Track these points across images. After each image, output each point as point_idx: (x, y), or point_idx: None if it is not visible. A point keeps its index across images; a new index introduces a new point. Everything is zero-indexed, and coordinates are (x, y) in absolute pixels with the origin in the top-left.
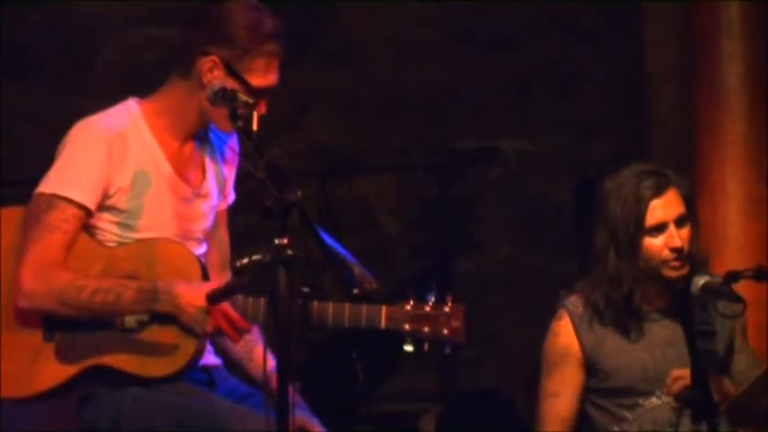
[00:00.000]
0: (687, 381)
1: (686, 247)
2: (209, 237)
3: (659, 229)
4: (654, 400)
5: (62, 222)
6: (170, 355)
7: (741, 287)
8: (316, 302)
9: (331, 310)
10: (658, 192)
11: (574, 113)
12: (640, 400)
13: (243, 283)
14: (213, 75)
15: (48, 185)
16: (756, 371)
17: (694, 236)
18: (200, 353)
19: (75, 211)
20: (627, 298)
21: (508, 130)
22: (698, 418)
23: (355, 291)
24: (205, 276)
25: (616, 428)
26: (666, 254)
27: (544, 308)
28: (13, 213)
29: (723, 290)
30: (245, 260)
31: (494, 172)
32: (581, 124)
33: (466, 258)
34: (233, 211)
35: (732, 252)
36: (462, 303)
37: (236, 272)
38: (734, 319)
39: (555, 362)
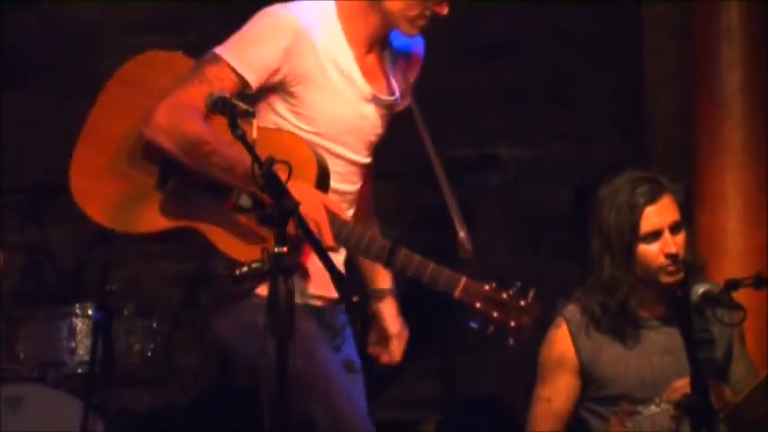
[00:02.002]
0: (687, 389)
1: (681, 252)
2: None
3: (654, 235)
4: (653, 407)
5: (216, 79)
6: (255, 243)
7: (741, 294)
8: (404, 249)
9: (416, 262)
10: (653, 199)
11: (572, 119)
12: (639, 408)
13: (243, 290)
14: None
15: (221, 48)
16: (756, 378)
17: (689, 242)
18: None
19: (234, 77)
20: (622, 305)
21: (506, 137)
22: (697, 426)
23: (355, 298)
24: (321, 183)
25: None
26: (662, 260)
27: (543, 314)
28: (183, 61)
29: (723, 298)
30: (245, 268)
31: (493, 179)
32: (580, 130)
33: (464, 265)
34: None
35: (732, 259)
36: (539, 306)
37: (235, 280)
38: (734, 326)
39: (550, 369)
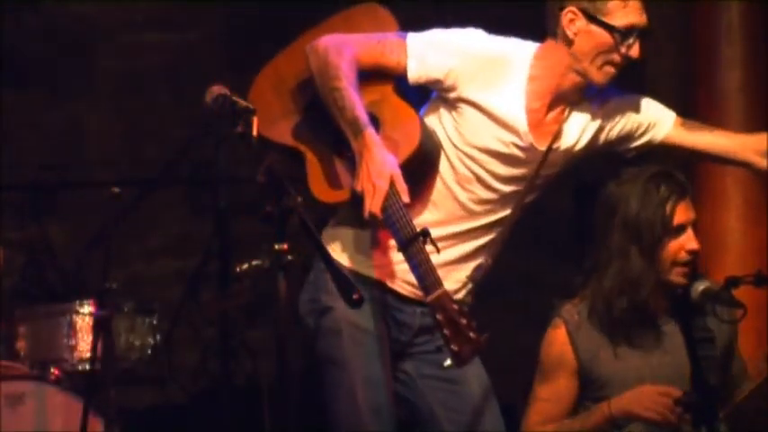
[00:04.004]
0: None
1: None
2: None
3: (679, 231)
4: None
5: (389, 49)
6: (333, 188)
7: (741, 292)
8: (419, 244)
9: (421, 257)
10: (682, 195)
11: None
12: None
13: (243, 287)
14: (575, 26)
15: (417, 34)
16: (758, 377)
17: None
18: (352, 199)
19: (402, 59)
20: (645, 301)
21: None
22: (698, 423)
23: (355, 296)
24: (411, 167)
25: None
26: (683, 255)
27: (542, 313)
28: (390, 25)
29: (723, 295)
30: (245, 265)
31: None
32: None
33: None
34: (233, 215)
35: (732, 257)
36: (485, 344)
37: (237, 277)
38: (734, 324)
39: (549, 369)
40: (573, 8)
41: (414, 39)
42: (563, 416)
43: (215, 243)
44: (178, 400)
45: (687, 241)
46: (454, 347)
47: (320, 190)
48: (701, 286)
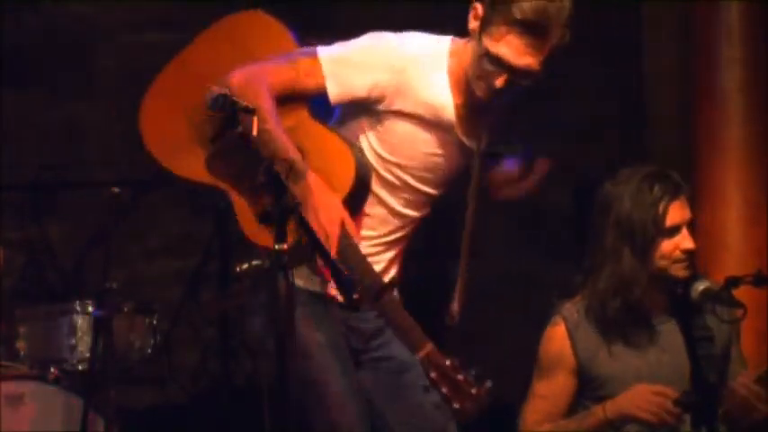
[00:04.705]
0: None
1: (695, 249)
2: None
3: (673, 231)
4: None
5: (302, 73)
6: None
7: (741, 294)
8: (391, 295)
9: (396, 311)
10: (676, 195)
11: (572, 119)
12: None
13: (243, 287)
14: (474, 23)
15: (325, 50)
16: (755, 375)
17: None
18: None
19: (320, 82)
20: (638, 301)
21: (505, 135)
22: (697, 423)
23: (355, 296)
24: (354, 199)
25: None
26: (678, 254)
27: (541, 313)
28: (286, 38)
29: (723, 295)
30: (245, 265)
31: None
32: (579, 129)
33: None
34: (233, 215)
35: (732, 257)
36: (488, 398)
37: (237, 277)
38: (733, 323)
39: (547, 367)
40: (478, 6)
41: (327, 57)
42: (560, 414)
43: (215, 243)
44: (178, 400)
45: (682, 241)
46: (456, 405)
47: (254, 232)
48: (701, 286)
